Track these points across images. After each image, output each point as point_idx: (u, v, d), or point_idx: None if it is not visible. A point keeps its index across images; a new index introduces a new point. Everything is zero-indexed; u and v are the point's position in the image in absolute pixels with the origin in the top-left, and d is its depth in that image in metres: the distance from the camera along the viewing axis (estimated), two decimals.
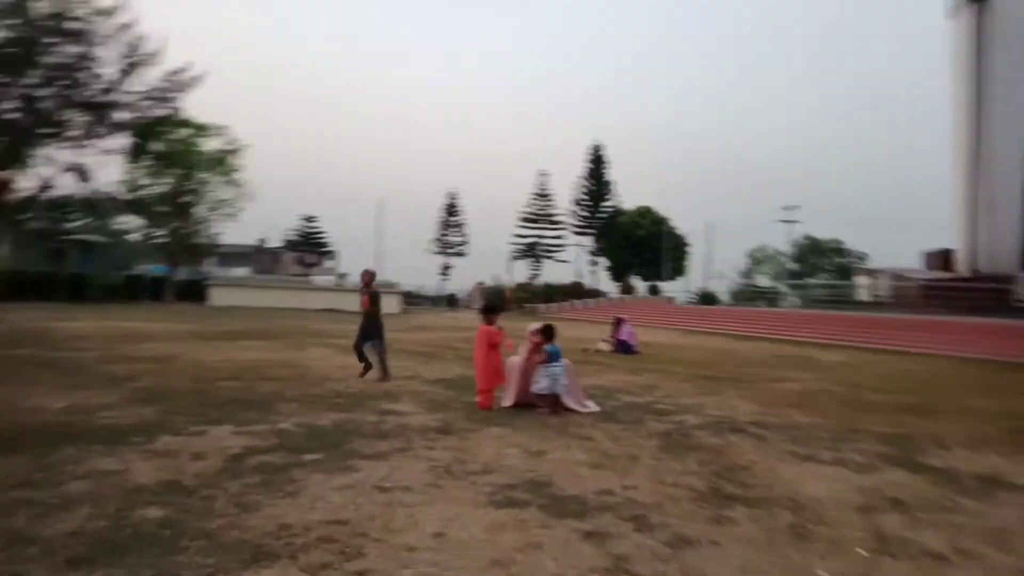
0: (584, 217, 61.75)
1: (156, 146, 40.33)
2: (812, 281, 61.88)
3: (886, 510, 4.67)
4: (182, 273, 44.42)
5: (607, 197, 61.62)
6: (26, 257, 52.29)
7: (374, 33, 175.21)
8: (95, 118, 34.40)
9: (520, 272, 63.89)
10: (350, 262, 79.39)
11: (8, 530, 3.57)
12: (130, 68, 35.13)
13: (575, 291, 55.17)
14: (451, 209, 67.98)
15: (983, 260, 35.03)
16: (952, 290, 32.06)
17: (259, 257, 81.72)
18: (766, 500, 4.73)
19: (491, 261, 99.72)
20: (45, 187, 35.22)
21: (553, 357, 7.62)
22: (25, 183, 34.90)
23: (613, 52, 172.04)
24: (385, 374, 9.68)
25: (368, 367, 9.83)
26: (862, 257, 73.89)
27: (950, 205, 38.09)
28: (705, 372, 12.68)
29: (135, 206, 42.90)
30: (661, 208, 60.65)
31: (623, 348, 16.16)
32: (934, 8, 39.31)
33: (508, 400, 7.88)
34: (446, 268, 68.09)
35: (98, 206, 38.21)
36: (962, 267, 35.77)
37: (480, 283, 58.57)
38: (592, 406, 7.97)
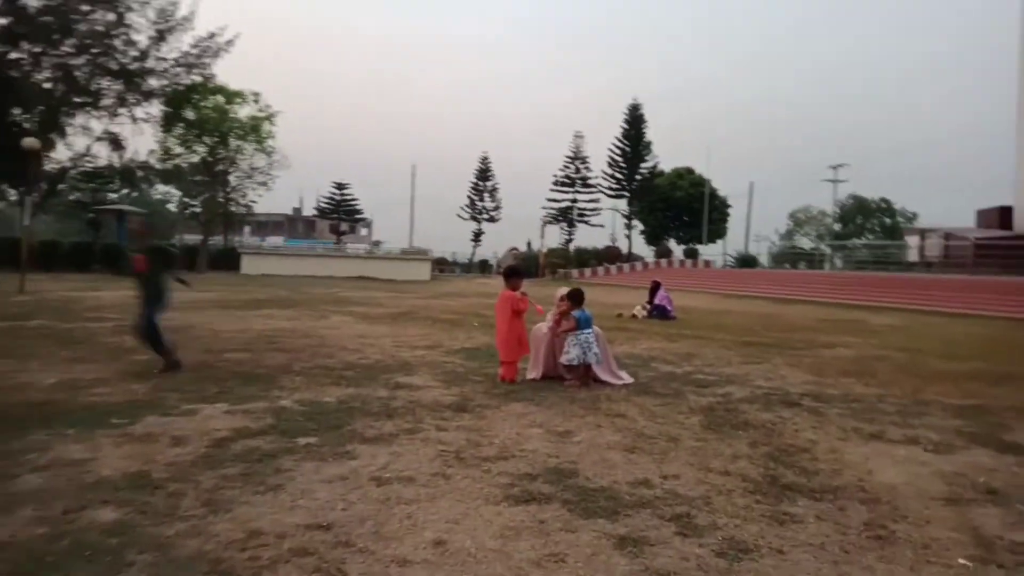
0: (619, 179, 60.09)
1: (189, 114, 40.12)
2: (857, 242, 59.67)
3: (979, 502, 3.90)
4: (216, 242, 44.60)
5: (645, 158, 59.71)
6: (63, 228, 53.19)
7: None
8: (128, 86, 34.22)
9: (553, 237, 62.94)
10: (384, 229, 79.44)
11: None
12: (162, 34, 34.78)
13: (610, 255, 54.15)
14: (483, 173, 66.89)
15: None
16: (1009, 249, 30.27)
17: (294, 225, 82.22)
18: (833, 490, 3.99)
19: (524, 227, 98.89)
20: (80, 156, 35.34)
21: (582, 324, 6.89)
22: (61, 154, 35.10)
23: (653, 8, 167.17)
24: (169, 363, 6.98)
25: (169, 360, 7.04)
26: (911, 217, 71.08)
27: (1010, 161, 35.90)
28: (748, 338, 11.83)
29: (169, 175, 42.99)
30: (701, 169, 58.83)
31: (659, 313, 15.34)
32: None
33: (533, 372, 7.19)
34: (478, 234, 67.36)
35: (132, 175, 38.31)
36: (1021, 226, 33.79)
37: (513, 248, 57.97)
38: (626, 377, 7.25)
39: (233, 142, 42.01)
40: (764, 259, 57.80)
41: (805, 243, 76.19)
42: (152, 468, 3.98)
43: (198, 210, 45.14)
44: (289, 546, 2.99)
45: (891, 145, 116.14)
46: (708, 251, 56.27)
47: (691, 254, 53.88)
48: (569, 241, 61.98)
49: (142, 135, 44.79)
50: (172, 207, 66.22)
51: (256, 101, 42.17)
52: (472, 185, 67.00)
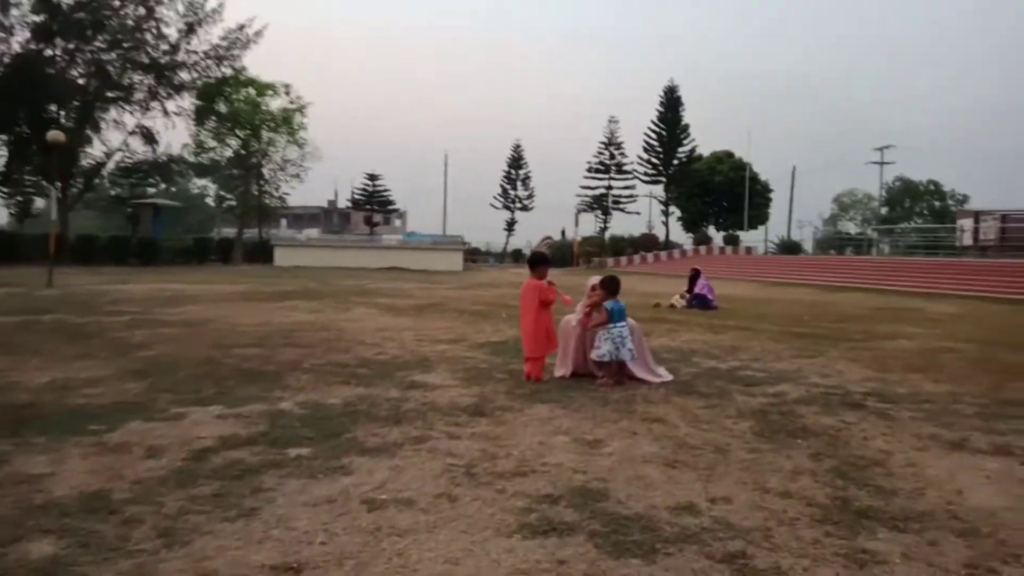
0: (656, 164, 58.67)
1: (221, 107, 40.23)
2: (906, 226, 57.43)
3: None
4: (251, 234, 44.79)
5: (682, 141, 58.12)
6: (104, 223, 54.10)
7: None
8: (159, 79, 34.39)
9: (588, 225, 61.91)
10: (419, 220, 79.25)
11: None
12: (191, 27, 34.85)
13: (646, 243, 53.02)
14: (516, 162, 66.08)
15: None
16: None
17: (329, 218, 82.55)
18: (919, 517, 3.28)
19: (558, 215, 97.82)
20: (114, 151, 35.70)
21: (615, 316, 6.21)
22: (96, 149, 35.48)
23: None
24: None
25: None
26: (961, 199, 68.22)
27: None
28: (797, 329, 11.00)
29: (204, 168, 43.29)
30: (741, 153, 57.05)
31: (700, 303, 14.53)
32: None
33: (562, 369, 6.55)
34: (511, 223, 66.66)
35: (166, 169, 38.60)
36: None
37: (547, 238, 57.20)
38: (664, 374, 6.56)
39: (265, 134, 42.04)
40: (808, 245, 56.07)
41: (851, 228, 73.76)
42: (115, 487, 3.45)
43: (233, 203, 45.35)
44: None
45: (939, 123, 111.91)
46: (749, 238, 54.69)
47: (731, 241, 52.38)
48: (604, 229, 60.92)
49: (174, 129, 45.26)
50: (210, 201, 67.13)
51: (287, 93, 42.14)
52: (504, 173, 66.29)
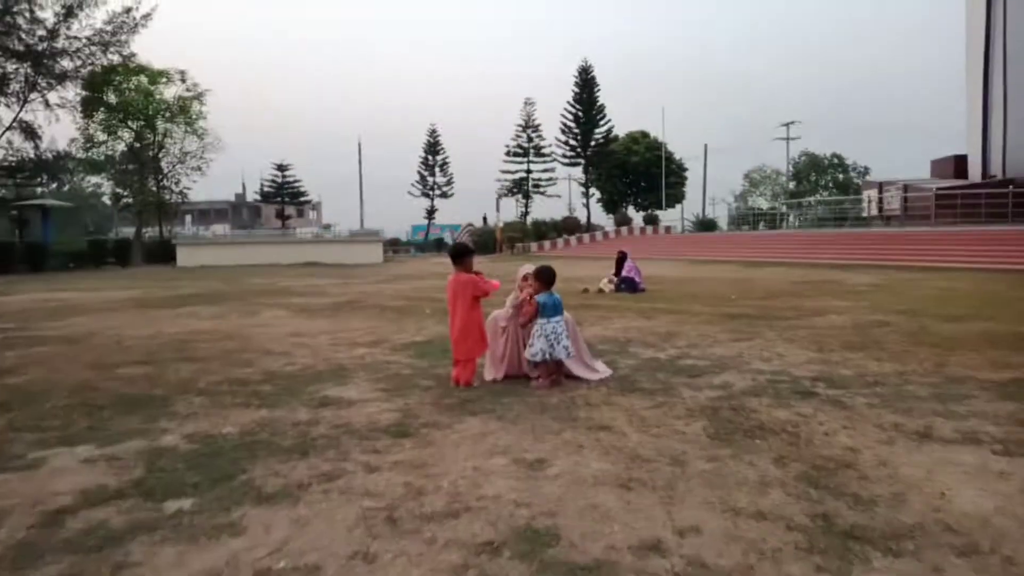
0: (574, 146, 58.71)
1: (110, 97, 37.33)
2: (814, 199, 59.69)
3: None
4: (150, 234, 42.05)
5: (599, 122, 58.29)
6: None
7: None
8: (37, 68, 31.41)
9: (509, 211, 61.52)
10: (335, 211, 76.88)
11: None
12: (70, 10, 31.91)
13: (568, 226, 53.06)
14: (433, 147, 64.88)
15: (996, 165, 32.93)
16: (967, 198, 30.03)
17: (238, 212, 79.01)
18: (909, 532, 2.87)
19: (478, 201, 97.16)
20: None
21: (548, 310, 5.64)
22: None
23: None
24: None
25: None
26: (863, 171, 71.54)
27: (961, 108, 35.68)
28: (728, 309, 10.79)
29: (95, 165, 40.20)
30: (656, 133, 57.78)
31: (628, 286, 14.25)
32: None
33: (492, 372, 5.95)
34: (431, 211, 65.57)
35: (51, 167, 35.52)
36: (975, 174, 33.67)
37: (468, 225, 56.38)
38: (603, 369, 6.07)
39: (161, 125, 39.35)
40: (723, 222, 57.46)
41: (762, 203, 76.22)
42: None
43: (130, 201, 42.41)
44: None
45: (840, 99, 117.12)
46: (666, 217, 55.56)
47: (651, 220, 53.04)
48: (526, 214, 60.65)
49: (59, 122, 41.85)
50: (106, 200, 62.91)
51: (183, 80, 39.49)
52: (421, 160, 65.00)
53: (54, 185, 46.57)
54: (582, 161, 58.91)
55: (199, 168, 41.91)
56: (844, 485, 3.43)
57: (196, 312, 12.13)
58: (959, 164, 34.94)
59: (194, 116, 40.02)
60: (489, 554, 2.73)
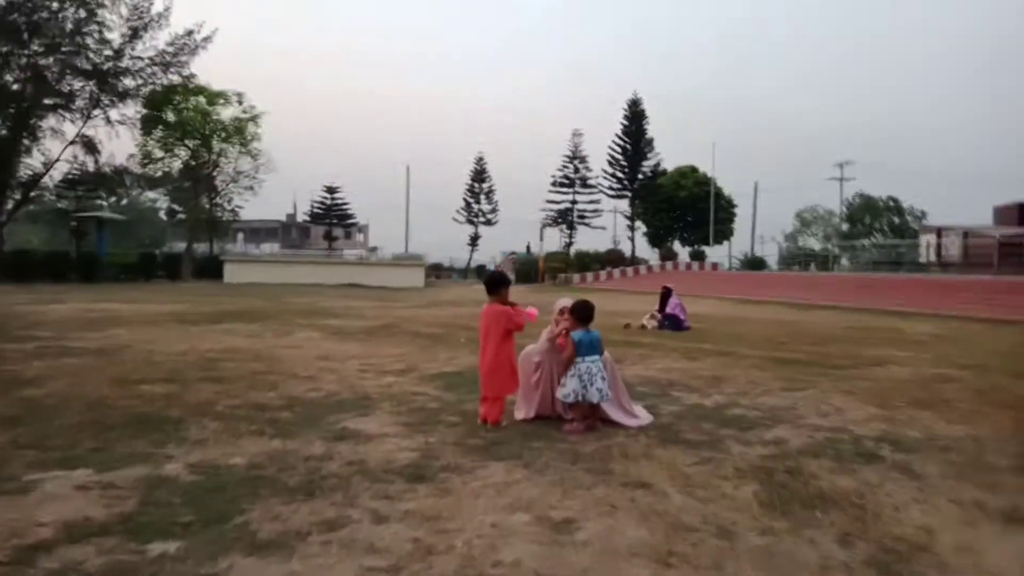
0: (620, 179, 58.35)
1: (169, 115, 38.50)
2: (868, 242, 57.98)
3: None
4: (201, 249, 42.93)
5: (646, 155, 57.94)
6: (51, 237, 51.54)
7: None
8: (101, 86, 32.59)
9: (553, 240, 61.29)
10: (380, 235, 77.82)
11: None
12: (136, 31, 33.15)
13: (612, 259, 52.47)
14: (479, 175, 65.24)
15: None
16: None
17: (288, 232, 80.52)
18: None
19: (522, 230, 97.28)
20: (54, 162, 33.70)
21: (584, 348, 5.23)
22: (35, 159, 33.47)
23: (654, 11, 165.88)
24: None
25: None
26: (919, 215, 69.33)
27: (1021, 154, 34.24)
28: (779, 353, 10.19)
29: (152, 180, 41.37)
30: (705, 168, 56.99)
31: (672, 324, 13.69)
32: None
33: (523, 410, 5.56)
34: (475, 238, 65.70)
35: (110, 180, 36.65)
36: None
37: (512, 253, 56.29)
38: (643, 415, 5.62)
39: (216, 144, 40.33)
40: (772, 261, 56.17)
41: (813, 244, 74.41)
42: None
43: (184, 217, 43.50)
44: None
45: (899, 141, 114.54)
46: (713, 253, 54.58)
47: (697, 256, 52.12)
48: (570, 244, 60.31)
49: (119, 138, 43.34)
50: (162, 215, 64.81)
51: (240, 102, 40.47)
52: (467, 187, 65.39)
53: (114, 199, 48.02)
54: (628, 194, 58.47)
55: (251, 187, 42.82)
56: (921, 574, 2.93)
57: (232, 329, 12.04)
58: (1022, 211, 33.46)
59: (249, 137, 40.98)
60: None
